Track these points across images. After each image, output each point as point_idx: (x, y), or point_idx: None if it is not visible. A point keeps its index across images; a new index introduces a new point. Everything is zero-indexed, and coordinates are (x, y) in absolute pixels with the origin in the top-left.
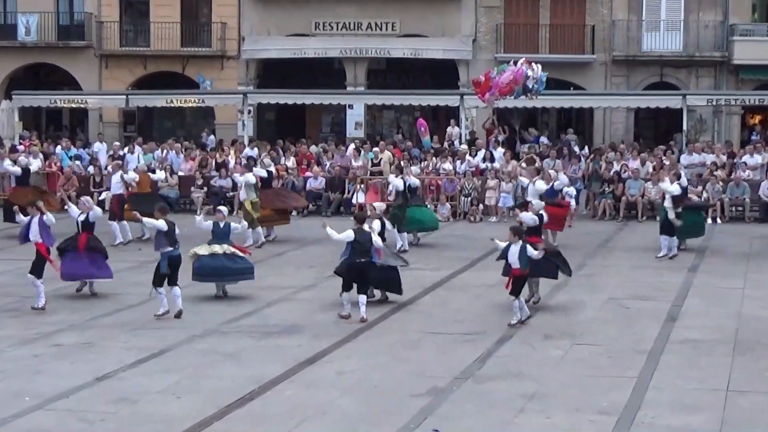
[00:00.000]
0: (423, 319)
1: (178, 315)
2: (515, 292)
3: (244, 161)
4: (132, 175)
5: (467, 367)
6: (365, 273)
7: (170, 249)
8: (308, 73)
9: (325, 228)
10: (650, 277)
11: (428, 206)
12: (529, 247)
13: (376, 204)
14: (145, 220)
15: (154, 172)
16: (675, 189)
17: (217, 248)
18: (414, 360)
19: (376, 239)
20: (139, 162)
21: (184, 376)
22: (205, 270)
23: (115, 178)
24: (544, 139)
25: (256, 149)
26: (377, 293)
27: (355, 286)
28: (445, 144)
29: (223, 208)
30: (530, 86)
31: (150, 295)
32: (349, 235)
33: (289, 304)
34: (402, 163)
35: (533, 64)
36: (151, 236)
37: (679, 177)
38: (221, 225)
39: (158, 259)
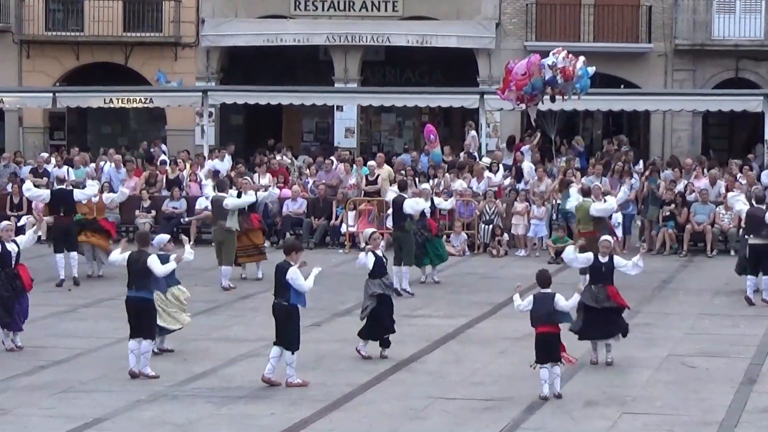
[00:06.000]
0: (431, 381)
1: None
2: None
3: (203, 177)
4: (89, 191)
5: None
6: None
7: (128, 290)
8: (286, 66)
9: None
10: (723, 329)
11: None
12: (558, 297)
13: (368, 230)
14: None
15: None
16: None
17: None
18: None
19: (293, 277)
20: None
21: None
22: None
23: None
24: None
25: (226, 159)
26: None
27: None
28: (462, 155)
29: (165, 237)
30: (553, 79)
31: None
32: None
33: (259, 362)
34: (407, 179)
35: (571, 55)
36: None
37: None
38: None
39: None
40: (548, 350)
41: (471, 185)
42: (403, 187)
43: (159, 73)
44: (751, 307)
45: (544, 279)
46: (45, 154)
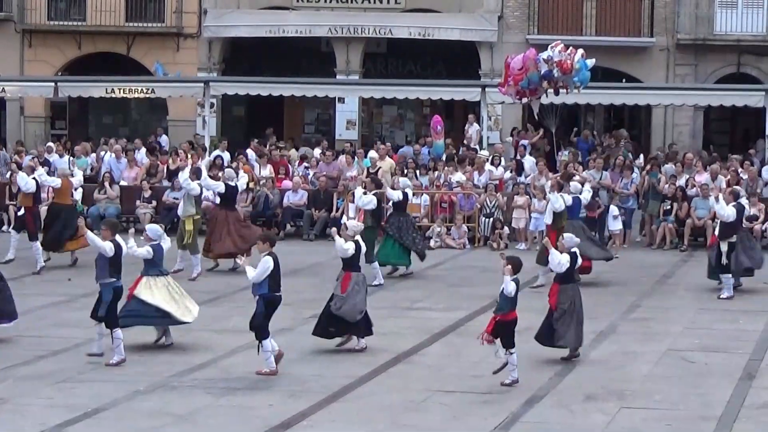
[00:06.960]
0: (430, 374)
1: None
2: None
3: (204, 164)
4: (53, 180)
5: None
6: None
7: (113, 280)
8: (287, 57)
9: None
10: (722, 323)
11: (415, 233)
12: (508, 281)
13: (350, 223)
14: (91, 236)
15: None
16: (729, 212)
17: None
18: (418, 426)
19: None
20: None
21: None
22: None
23: (22, 181)
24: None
25: (227, 152)
26: (362, 342)
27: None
28: (462, 149)
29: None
30: (549, 73)
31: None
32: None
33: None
34: (404, 171)
35: (572, 48)
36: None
37: (737, 197)
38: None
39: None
40: (513, 335)
41: (472, 178)
42: (378, 185)
43: (157, 65)
44: (729, 300)
45: (520, 265)
46: (51, 144)
